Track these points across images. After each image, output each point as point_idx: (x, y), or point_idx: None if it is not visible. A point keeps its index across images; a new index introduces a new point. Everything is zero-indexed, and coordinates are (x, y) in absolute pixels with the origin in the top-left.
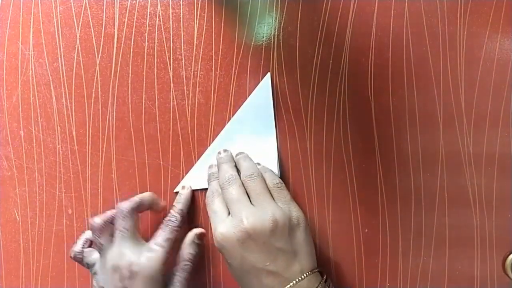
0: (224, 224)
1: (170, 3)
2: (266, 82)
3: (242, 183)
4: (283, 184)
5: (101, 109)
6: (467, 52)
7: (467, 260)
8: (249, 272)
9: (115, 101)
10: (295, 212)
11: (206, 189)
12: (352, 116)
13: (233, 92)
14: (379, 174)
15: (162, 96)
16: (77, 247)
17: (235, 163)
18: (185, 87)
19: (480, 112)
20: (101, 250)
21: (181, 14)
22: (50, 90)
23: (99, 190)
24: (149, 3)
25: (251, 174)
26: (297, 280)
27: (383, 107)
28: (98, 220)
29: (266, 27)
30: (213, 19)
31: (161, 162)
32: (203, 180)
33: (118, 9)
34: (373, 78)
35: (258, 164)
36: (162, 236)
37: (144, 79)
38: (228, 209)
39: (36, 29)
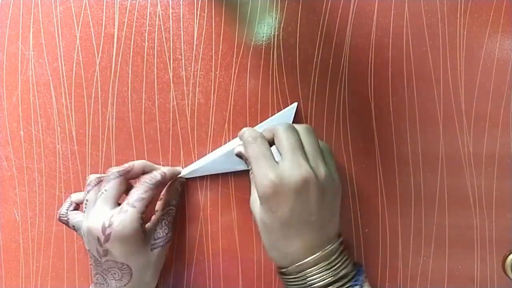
0: (280, 170)
1: (170, 3)
2: (290, 110)
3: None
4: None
5: (101, 109)
6: (467, 52)
7: (467, 260)
8: (293, 224)
9: (115, 101)
10: (338, 180)
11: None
12: (352, 116)
13: (233, 92)
14: (379, 174)
15: (162, 96)
16: (63, 209)
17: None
18: (185, 87)
19: (480, 112)
20: (85, 209)
21: (181, 14)
22: (50, 90)
23: None
24: (149, 3)
25: (309, 131)
26: (333, 243)
27: (383, 107)
28: (92, 176)
29: (266, 27)
30: (213, 19)
31: (161, 162)
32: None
33: (118, 9)
34: (373, 78)
35: None
36: (135, 196)
37: (144, 79)
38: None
39: (36, 29)
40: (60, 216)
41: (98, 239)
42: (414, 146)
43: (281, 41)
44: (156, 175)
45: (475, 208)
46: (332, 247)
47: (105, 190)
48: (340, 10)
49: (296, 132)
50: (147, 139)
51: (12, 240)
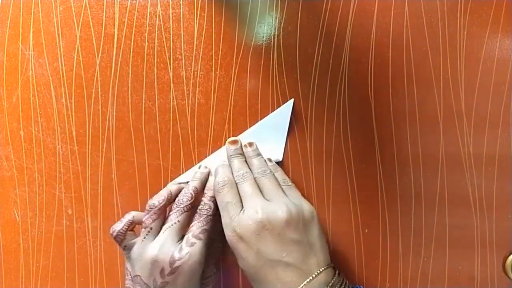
0: (238, 218)
1: (170, 3)
2: (287, 107)
3: (255, 180)
4: (293, 183)
5: (101, 109)
6: (467, 52)
7: (467, 261)
8: (265, 266)
9: (115, 101)
10: (308, 206)
11: None
12: (352, 116)
13: (233, 92)
14: (379, 174)
15: (162, 96)
16: (121, 227)
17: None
18: (185, 87)
19: (480, 112)
20: (146, 235)
21: (181, 14)
22: (50, 90)
23: (99, 190)
24: (149, 3)
25: (264, 171)
26: (315, 274)
27: (383, 107)
28: (155, 201)
29: (266, 27)
30: (213, 19)
31: (161, 162)
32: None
33: (118, 9)
34: (373, 78)
35: (270, 160)
36: (198, 227)
37: (144, 79)
38: (241, 204)
39: (36, 29)
40: (117, 234)
41: (162, 270)
42: (414, 146)
43: (281, 41)
44: (209, 204)
45: (475, 208)
46: (318, 278)
47: (178, 221)
48: (340, 10)
49: (249, 175)
50: (147, 139)
51: (12, 240)
